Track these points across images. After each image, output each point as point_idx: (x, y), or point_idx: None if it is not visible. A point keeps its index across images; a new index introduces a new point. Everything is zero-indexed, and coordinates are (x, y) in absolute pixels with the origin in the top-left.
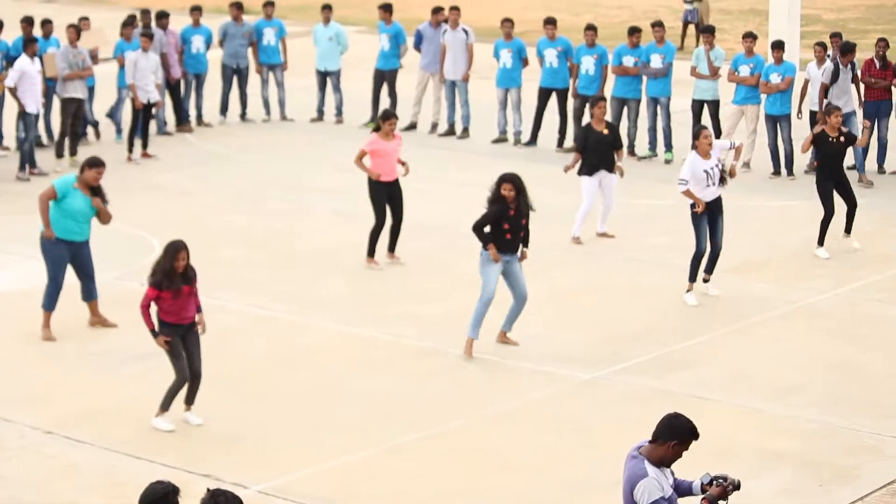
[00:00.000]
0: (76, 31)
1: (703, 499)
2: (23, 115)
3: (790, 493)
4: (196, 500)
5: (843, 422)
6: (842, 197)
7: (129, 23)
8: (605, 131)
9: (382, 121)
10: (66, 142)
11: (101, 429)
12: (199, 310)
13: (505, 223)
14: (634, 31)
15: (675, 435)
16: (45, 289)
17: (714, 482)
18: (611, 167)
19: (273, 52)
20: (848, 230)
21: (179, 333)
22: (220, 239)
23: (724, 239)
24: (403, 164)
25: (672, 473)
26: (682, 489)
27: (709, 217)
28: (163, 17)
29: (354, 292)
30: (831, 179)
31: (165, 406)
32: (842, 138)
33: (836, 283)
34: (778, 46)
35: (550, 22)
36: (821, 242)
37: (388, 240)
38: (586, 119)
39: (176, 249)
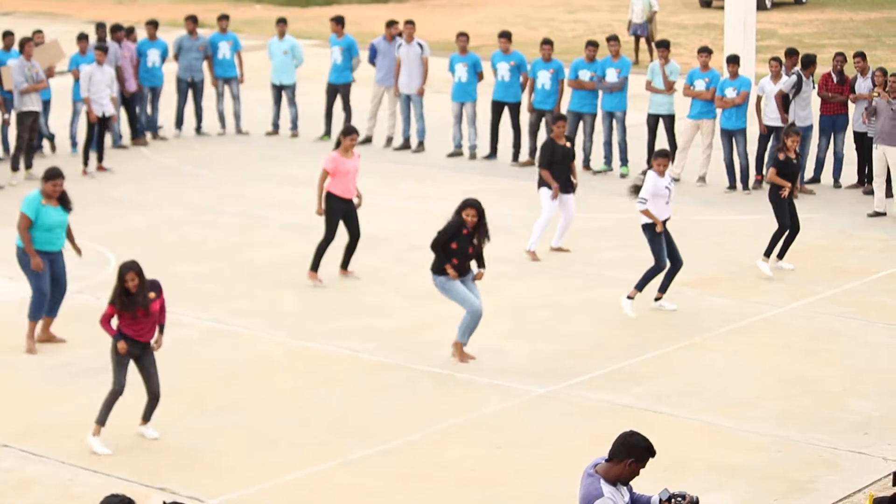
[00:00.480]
0: (31, 44)
1: None
2: None
3: None
4: None
5: (798, 436)
6: (790, 219)
7: (83, 37)
8: (568, 144)
9: (343, 136)
10: (22, 155)
11: (57, 442)
12: (160, 330)
13: (454, 242)
14: (591, 45)
15: (631, 453)
16: (31, 300)
17: (672, 500)
18: (569, 183)
19: (228, 66)
20: (782, 255)
21: (135, 352)
22: (176, 252)
23: (680, 253)
24: (359, 195)
25: (630, 489)
26: (640, 503)
27: (664, 234)
28: (118, 30)
29: (310, 306)
30: (786, 199)
31: (102, 420)
32: (796, 160)
33: (791, 297)
34: (733, 61)
35: (505, 35)
36: (767, 255)
37: (343, 256)
38: (542, 133)
39: (124, 270)
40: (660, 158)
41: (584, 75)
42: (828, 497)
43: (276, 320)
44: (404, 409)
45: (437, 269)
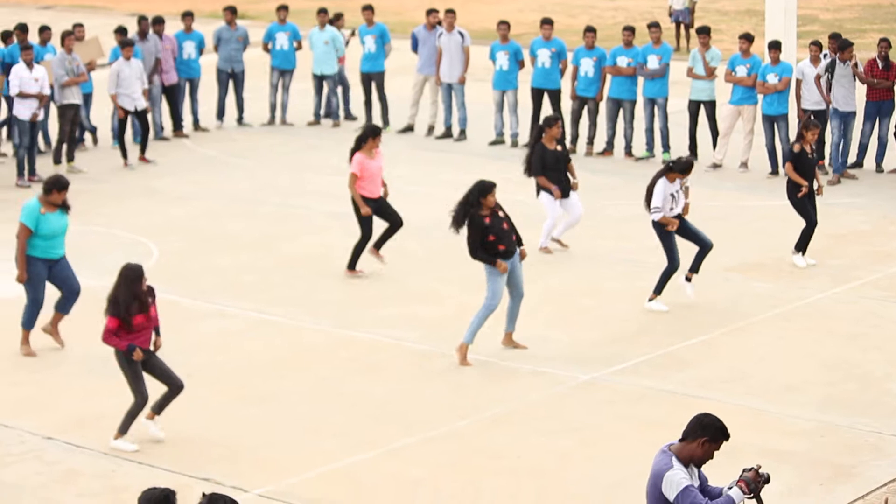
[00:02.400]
0: (72, 38)
1: (738, 479)
2: (16, 121)
3: (791, 493)
4: None
5: (842, 420)
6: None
7: (122, 30)
8: (559, 148)
9: (372, 136)
10: (64, 148)
11: (101, 434)
12: (156, 332)
13: (490, 235)
14: (627, 30)
15: (705, 432)
16: (25, 308)
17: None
18: (567, 186)
19: (286, 57)
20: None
21: (144, 358)
22: (217, 243)
23: (723, 239)
24: (384, 185)
25: (702, 476)
26: (711, 495)
27: (680, 227)
28: (158, 22)
29: (352, 295)
30: (805, 194)
31: (124, 429)
32: (813, 154)
33: (834, 282)
34: (775, 47)
35: (547, 22)
36: (799, 249)
37: (380, 237)
38: (584, 121)
39: (138, 274)
40: (674, 172)
41: (622, 61)
42: (873, 481)
43: (318, 309)
44: (448, 397)
45: (492, 263)
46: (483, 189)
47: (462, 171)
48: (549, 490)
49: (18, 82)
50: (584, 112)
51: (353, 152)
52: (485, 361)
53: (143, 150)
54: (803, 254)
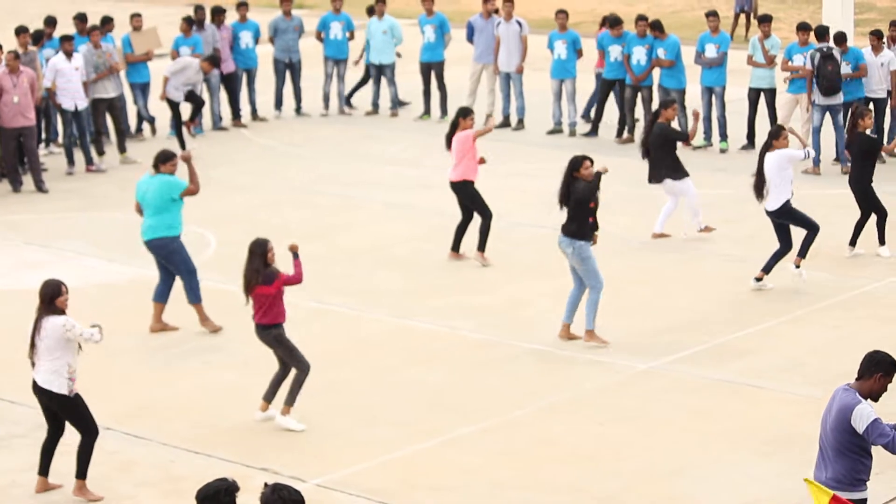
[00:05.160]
0: (98, 32)
1: None
2: (60, 112)
3: None
4: (254, 494)
5: None
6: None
7: (188, 19)
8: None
9: (462, 118)
10: (107, 140)
11: (160, 424)
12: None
13: (592, 202)
14: (712, 16)
15: (879, 367)
16: (187, 284)
17: None
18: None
19: (339, 46)
20: (853, 242)
21: (274, 334)
22: (275, 233)
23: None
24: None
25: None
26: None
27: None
28: (219, 12)
29: (409, 285)
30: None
31: (292, 401)
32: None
33: (891, 271)
34: (841, 39)
35: (617, 24)
36: (882, 241)
37: (454, 237)
38: (639, 109)
39: (264, 244)
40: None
41: (711, 49)
42: None
43: (376, 299)
44: (506, 387)
45: (579, 233)
46: (574, 163)
47: (520, 161)
48: (605, 479)
49: (54, 74)
50: (638, 100)
51: (448, 137)
52: (542, 351)
53: (192, 117)
54: (884, 244)
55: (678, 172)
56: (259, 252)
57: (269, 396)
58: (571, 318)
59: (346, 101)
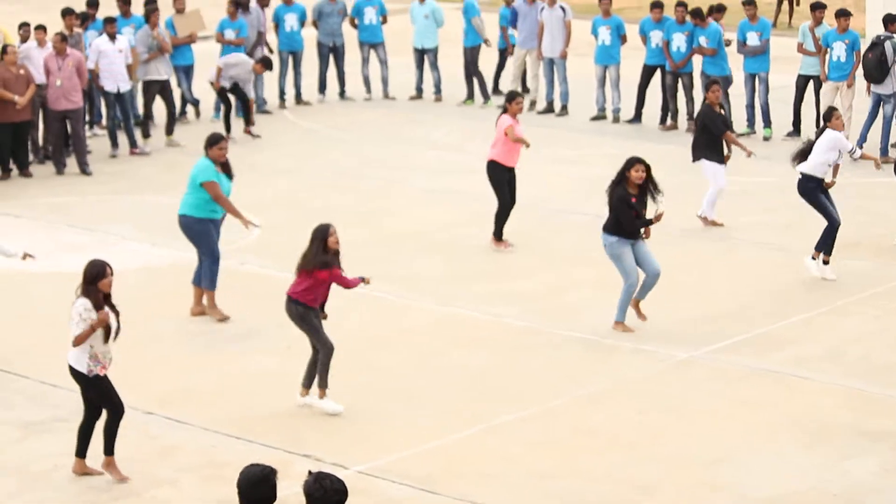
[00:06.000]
0: (156, 14)
1: None
2: (102, 94)
3: (888, 473)
4: (295, 480)
5: None
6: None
7: (235, 2)
8: (723, 111)
9: (509, 102)
10: (156, 122)
11: (201, 409)
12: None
13: (633, 210)
14: (749, 4)
15: None
16: (207, 269)
17: None
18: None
19: (374, 31)
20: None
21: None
22: (318, 217)
23: (820, 217)
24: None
25: None
26: None
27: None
28: None
29: (452, 271)
30: None
31: (325, 383)
32: None
33: None
34: (892, 21)
35: (658, 6)
36: None
37: (495, 224)
38: (681, 95)
39: (327, 229)
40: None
41: (753, 38)
42: None
43: (419, 285)
44: (547, 374)
45: (613, 229)
46: (628, 164)
47: (563, 147)
48: (645, 467)
49: (97, 56)
50: (679, 87)
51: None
52: (584, 339)
53: (247, 121)
54: None
55: (714, 155)
56: (319, 237)
57: (308, 382)
58: (643, 296)
59: (494, 88)
